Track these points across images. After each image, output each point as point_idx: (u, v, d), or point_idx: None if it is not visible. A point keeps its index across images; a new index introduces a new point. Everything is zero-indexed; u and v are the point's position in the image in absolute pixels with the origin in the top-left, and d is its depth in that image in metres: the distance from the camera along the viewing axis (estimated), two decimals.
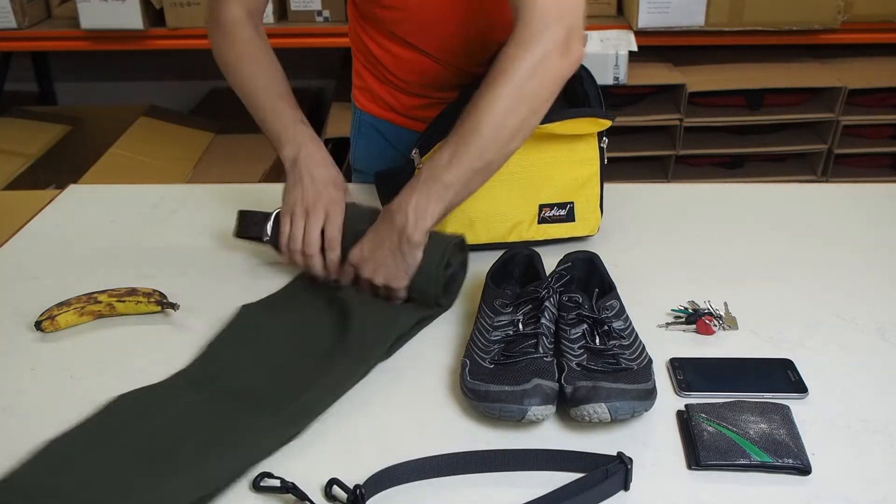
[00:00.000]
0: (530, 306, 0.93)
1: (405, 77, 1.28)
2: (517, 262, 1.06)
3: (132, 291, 1.06)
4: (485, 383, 0.86)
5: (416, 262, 1.01)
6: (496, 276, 1.03)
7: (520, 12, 0.99)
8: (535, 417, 0.83)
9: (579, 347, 0.89)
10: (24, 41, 2.57)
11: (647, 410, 0.86)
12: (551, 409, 0.84)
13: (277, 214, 1.10)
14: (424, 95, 1.29)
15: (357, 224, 1.06)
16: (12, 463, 0.82)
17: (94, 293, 1.05)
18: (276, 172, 2.55)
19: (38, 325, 1.01)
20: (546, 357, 0.88)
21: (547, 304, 0.92)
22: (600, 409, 0.82)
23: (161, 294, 1.06)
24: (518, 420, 0.83)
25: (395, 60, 1.27)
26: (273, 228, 1.10)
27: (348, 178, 1.42)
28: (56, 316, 1.02)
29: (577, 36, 1.00)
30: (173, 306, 1.05)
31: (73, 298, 1.03)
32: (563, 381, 0.86)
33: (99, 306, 1.04)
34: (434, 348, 0.99)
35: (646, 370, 0.88)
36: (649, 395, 0.85)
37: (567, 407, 0.85)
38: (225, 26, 1.17)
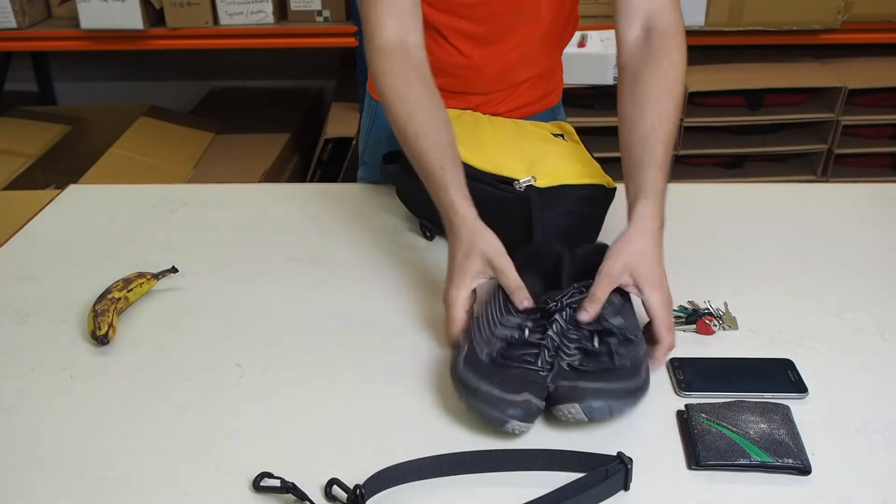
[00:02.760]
0: (540, 315, 0.92)
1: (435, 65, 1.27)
2: (542, 258, 1.01)
3: (128, 280, 1.07)
4: (476, 379, 0.84)
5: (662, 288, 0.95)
6: (520, 268, 0.98)
7: (651, 24, 1.07)
8: (512, 430, 0.82)
9: (575, 348, 0.89)
10: (24, 41, 2.57)
11: (629, 409, 0.85)
12: (530, 426, 0.83)
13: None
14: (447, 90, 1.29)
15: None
16: (12, 463, 0.82)
17: (107, 294, 1.04)
18: (276, 172, 2.55)
19: (105, 337, 0.99)
20: (542, 371, 0.86)
21: (557, 317, 0.90)
22: (574, 410, 0.82)
23: (151, 273, 1.09)
24: (495, 427, 0.83)
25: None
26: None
27: (353, 175, 1.41)
28: (112, 324, 1.01)
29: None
30: (173, 270, 1.09)
31: (99, 305, 1.02)
32: (549, 380, 0.86)
33: (120, 303, 1.04)
34: (434, 348, 0.99)
35: (636, 368, 0.86)
36: (631, 393, 0.84)
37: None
38: (377, 55, 1.09)
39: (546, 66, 1.33)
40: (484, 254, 0.95)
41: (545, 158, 1.13)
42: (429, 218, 1.19)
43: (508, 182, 1.08)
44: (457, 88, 1.28)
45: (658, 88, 1.03)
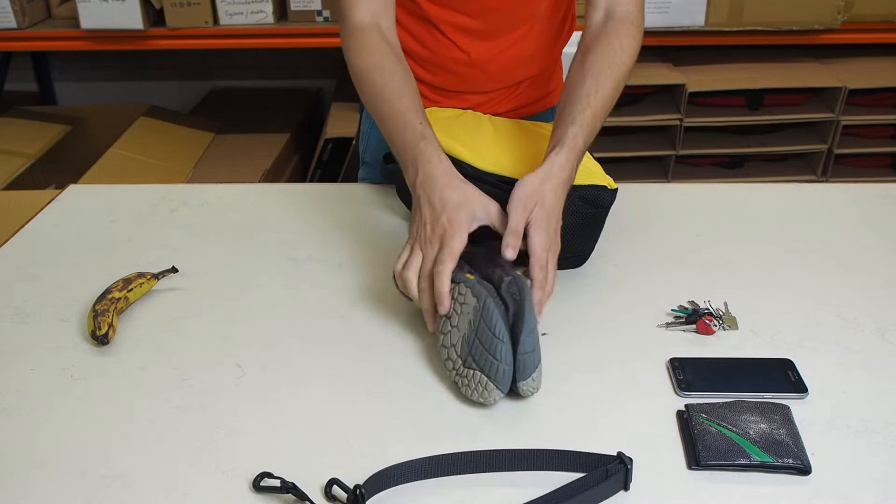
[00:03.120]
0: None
1: (427, 58, 1.29)
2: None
3: (128, 280, 1.07)
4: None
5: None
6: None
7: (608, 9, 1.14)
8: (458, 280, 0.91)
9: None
10: (24, 41, 2.56)
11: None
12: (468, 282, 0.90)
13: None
14: (444, 89, 1.31)
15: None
16: (12, 463, 0.82)
17: (107, 294, 1.04)
18: (275, 172, 2.55)
19: (105, 337, 0.99)
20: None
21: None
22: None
23: (151, 273, 1.10)
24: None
25: (418, 44, 1.28)
26: None
27: (353, 175, 1.41)
28: (112, 324, 1.01)
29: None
30: (173, 270, 1.10)
31: (99, 305, 1.02)
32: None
33: (120, 303, 1.04)
34: (433, 348, 0.99)
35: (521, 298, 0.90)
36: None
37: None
38: (353, 33, 1.14)
39: (545, 65, 1.33)
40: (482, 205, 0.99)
41: None
42: None
43: (510, 182, 1.08)
44: (457, 87, 1.29)
45: (602, 64, 1.10)
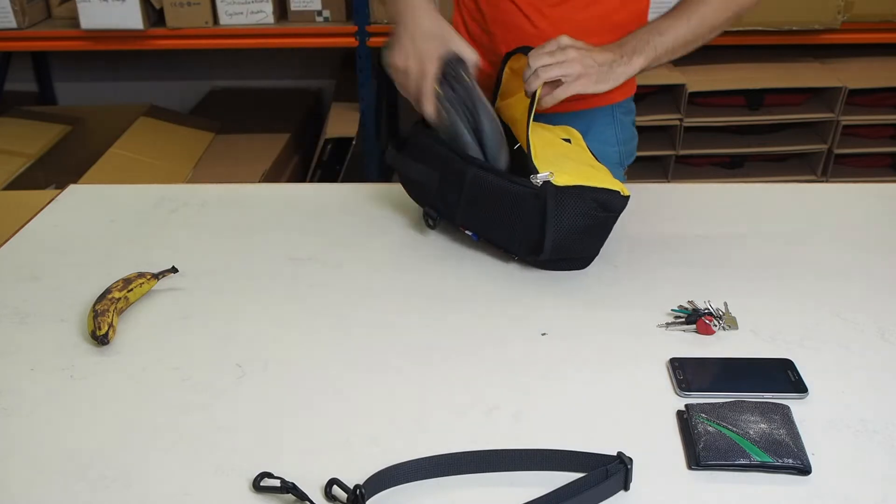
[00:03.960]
0: None
1: (494, 32, 1.32)
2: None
3: (128, 280, 1.07)
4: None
5: (605, 86, 1.13)
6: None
7: None
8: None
9: None
10: (24, 41, 2.57)
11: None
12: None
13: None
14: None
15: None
16: (12, 463, 0.82)
17: (107, 294, 1.04)
18: (275, 172, 2.55)
19: (105, 337, 0.99)
20: None
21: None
22: None
23: (151, 273, 1.09)
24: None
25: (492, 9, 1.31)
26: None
27: (353, 175, 1.40)
28: (112, 324, 1.01)
29: None
30: (173, 270, 1.10)
31: (99, 305, 1.02)
32: None
33: (120, 303, 1.04)
34: (435, 348, 0.99)
35: None
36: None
37: None
38: None
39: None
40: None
41: (561, 162, 1.13)
42: (433, 206, 1.19)
43: (525, 176, 1.08)
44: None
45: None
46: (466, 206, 1.13)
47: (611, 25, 1.26)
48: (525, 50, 1.17)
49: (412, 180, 1.22)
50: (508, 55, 1.23)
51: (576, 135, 1.24)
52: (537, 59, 1.11)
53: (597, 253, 1.13)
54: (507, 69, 1.24)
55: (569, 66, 1.11)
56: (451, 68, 1.13)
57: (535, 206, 1.07)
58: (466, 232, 1.17)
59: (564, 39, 1.12)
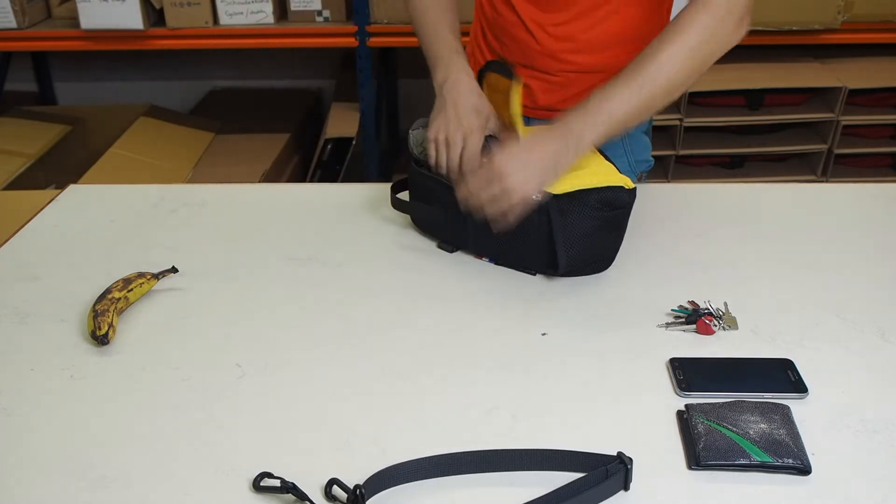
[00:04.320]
0: None
1: (503, 40, 1.30)
2: None
3: (128, 280, 1.07)
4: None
5: (553, 179, 1.06)
6: None
7: None
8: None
9: None
10: (24, 41, 2.57)
11: None
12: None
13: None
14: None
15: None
16: (12, 463, 0.82)
17: (107, 294, 1.04)
18: (275, 172, 2.55)
19: (105, 337, 0.99)
20: None
21: None
22: None
23: (151, 273, 1.09)
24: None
25: (501, 20, 1.29)
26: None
27: (353, 175, 1.41)
28: (112, 324, 1.01)
29: (750, 10, 1.08)
30: (173, 270, 1.10)
31: (99, 305, 1.02)
32: None
33: (120, 303, 1.04)
34: (434, 348, 0.99)
35: None
36: None
37: None
38: None
39: (617, 61, 1.17)
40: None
41: None
42: (445, 240, 1.21)
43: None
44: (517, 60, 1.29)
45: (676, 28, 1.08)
46: (476, 235, 1.14)
47: (621, 40, 1.24)
48: (490, 67, 1.19)
49: (421, 219, 1.24)
50: (482, 71, 1.22)
51: None
52: (477, 190, 1.07)
53: (615, 252, 1.12)
54: (484, 84, 1.21)
55: (505, 198, 1.04)
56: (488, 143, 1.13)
57: (540, 220, 1.07)
58: (484, 259, 1.17)
59: (497, 160, 1.05)
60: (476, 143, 1.12)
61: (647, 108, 1.08)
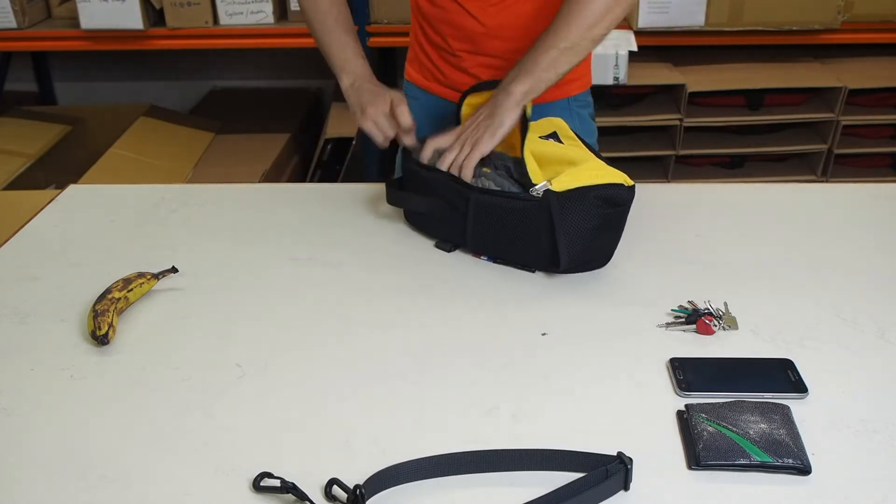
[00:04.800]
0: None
1: (445, 32, 1.32)
2: None
3: (128, 280, 1.07)
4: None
5: (499, 130, 1.13)
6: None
7: None
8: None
9: None
10: (24, 41, 2.57)
11: None
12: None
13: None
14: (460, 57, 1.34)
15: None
16: (12, 463, 0.82)
17: (107, 294, 1.04)
18: (275, 172, 2.55)
19: (105, 337, 0.99)
20: None
21: None
22: None
23: (151, 273, 1.09)
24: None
25: (438, 12, 1.31)
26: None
27: (353, 175, 1.42)
28: (112, 324, 1.01)
29: None
30: (173, 270, 1.10)
31: (99, 305, 1.02)
32: None
33: (120, 303, 1.04)
34: (434, 348, 0.99)
35: None
36: None
37: None
38: None
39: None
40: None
41: (556, 167, 1.12)
42: (442, 238, 1.21)
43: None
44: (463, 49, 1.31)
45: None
46: (475, 231, 1.14)
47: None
48: (481, 87, 1.22)
49: (418, 214, 1.24)
50: (465, 94, 1.24)
51: (559, 124, 1.23)
52: (451, 154, 1.17)
53: (613, 250, 1.12)
54: (465, 106, 1.24)
55: (466, 149, 1.15)
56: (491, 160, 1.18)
57: (541, 217, 1.07)
58: (482, 258, 1.17)
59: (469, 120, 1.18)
60: (402, 101, 1.22)
61: (573, 49, 1.15)
